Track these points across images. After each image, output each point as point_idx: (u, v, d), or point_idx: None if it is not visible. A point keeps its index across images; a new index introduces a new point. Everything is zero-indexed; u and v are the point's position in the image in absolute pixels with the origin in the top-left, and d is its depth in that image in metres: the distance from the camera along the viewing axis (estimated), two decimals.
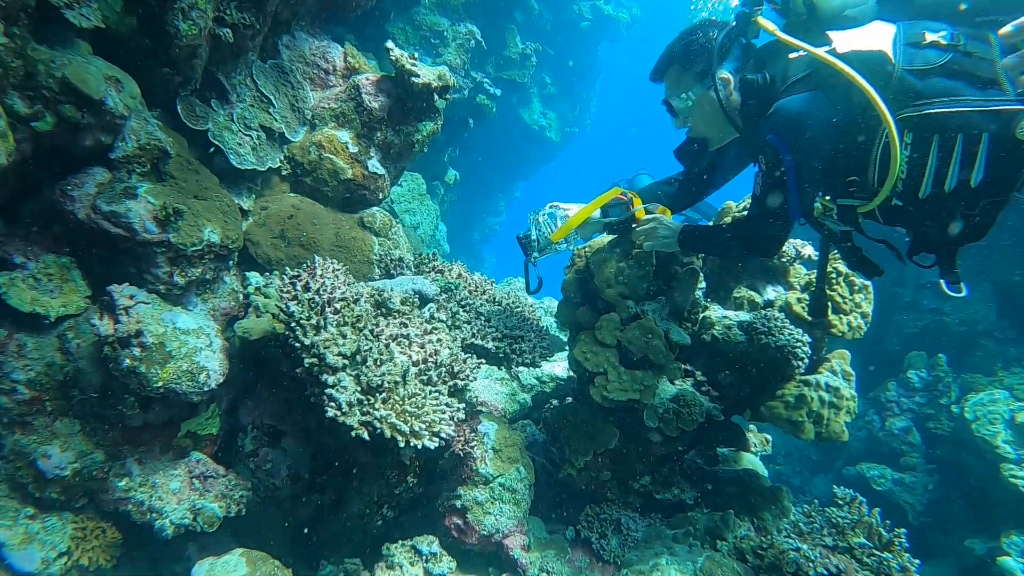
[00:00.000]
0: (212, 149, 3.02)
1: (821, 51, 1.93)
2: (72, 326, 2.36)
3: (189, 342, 2.35)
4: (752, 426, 3.83)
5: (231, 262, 2.98)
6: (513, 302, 3.33)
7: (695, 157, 2.45)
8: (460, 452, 2.76)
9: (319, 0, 3.71)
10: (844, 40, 1.96)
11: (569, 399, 3.69)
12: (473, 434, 2.86)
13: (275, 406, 2.70)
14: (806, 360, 2.91)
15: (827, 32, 2.00)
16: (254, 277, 2.86)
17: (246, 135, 3.16)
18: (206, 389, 2.34)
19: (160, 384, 2.22)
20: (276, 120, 3.34)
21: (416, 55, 3.45)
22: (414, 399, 2.26)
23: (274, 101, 3.35)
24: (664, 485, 3.29)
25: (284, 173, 3.42)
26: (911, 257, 2.16)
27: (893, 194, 1.96)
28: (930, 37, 1.90)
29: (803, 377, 2.98)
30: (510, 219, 15.27)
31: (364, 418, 2.14)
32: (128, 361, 2.17)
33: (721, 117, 2.25)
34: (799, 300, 3.18)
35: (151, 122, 2.59)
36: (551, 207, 2.67)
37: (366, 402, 2.19)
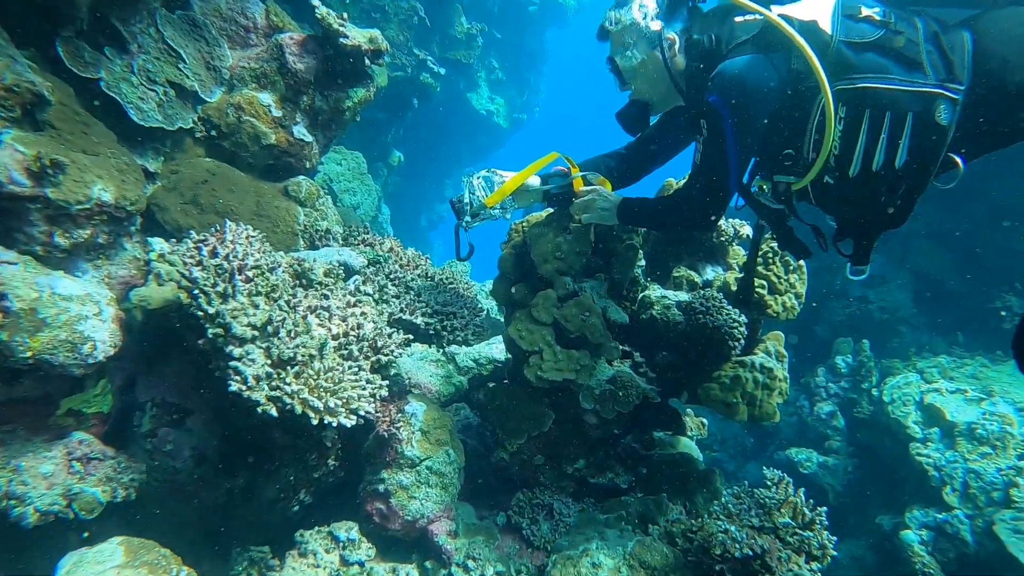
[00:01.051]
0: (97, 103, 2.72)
1: (768, 12, 1.88)
2: None
3: (71, 309, 2.09)
4: (689, 410, 3.81)
5: (132, 227, 2.71)
6: (447, 278, 3.18)
7: (636, 122, 2.36)
8: (385, 433, 2.60)
9: None
10: (786, 10, 1.94)
11: (505, 382, 3.58)
12: (400, 414, 2.70)
13: (180, 383, 2.46)
14: (742, 341, 2.89)
15: (771, 6, 1.96)
16: (157, 243, 2.60)
17: (150, 90, 2.87)
18: (90, 362, 2.09)
19: (29, 355, 1.95)
20: (188, 77, 3.05)
21: (345, 15, 3.22)
22: (331, 374, 2.08)
23: (184, 56, 3.06)
24: (599, 469, 3.22)
25: (198, 136, 3.14)
26: (835, 243, 2.17)
27: (825, 170, 1.96)
28: (865, 11, 1.91)
29: (739, 358, 2.95)
30: None
31: (273, 393, 1.95)
32: None
33: (666, 79, 2.18)
34: (737, 280, 3.16)
35: (19, 61, 2.29)
36: (488, 172, 2.53)
37: (275, 376, 1.99)
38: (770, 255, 3.02)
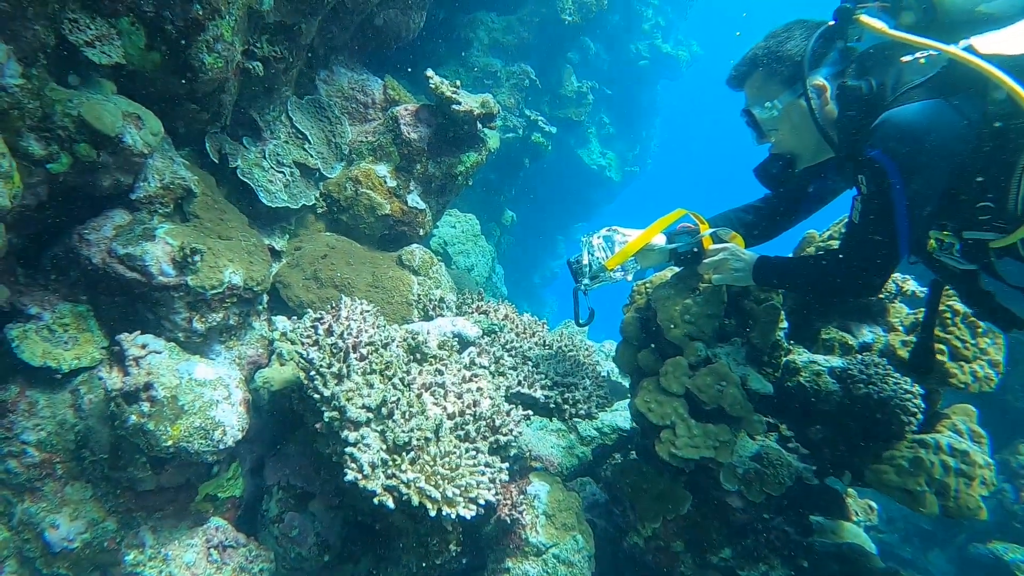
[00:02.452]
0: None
1: (954, 48, 1.58)
2: (86, 380, 2.18)
3: (205, 395, 2.13)
4: (851, 490, 3.29)
5: (260, 306, 2.80)
6: (566, 345, 2.99)
7: (779, 178, 2.09)
8: (507, 518, 2.41)
9: (357, 35, 3.60)
10: (987, 43, 1.60)
11: (633, 453, 3.29)
12: (522, 496, 2.51)
13: (303, 464, 2.44)
14: (919, 416, 2.43)
15: (968, 37, 1.65)
16: (281, 322, 2.66)
17: (278, 172, 3.02)
18: (221, 447, 2.11)
19: (170, 443, 1.99)
20: (311, 156, 3.20)
21: (458, 83, 3.26)
22: (448, 459, 1.95)
23: (310, 137, 3.22)
24: (749, 560, 2.81)
25: (320, 211, 3.26)
26: None
27: None
28: None
29: (918, 436, 2.48)
30: None
31: (389, 482, 1.84)
32: (135, 418, 1.96)
33: (813, 131, 1.89)
34: (904, 344, 2.70)
35: (177, 161, 2.47)
36: (608, 231, 2.35)
37: (391, 463, 1.89)
38: (947, 315, 2.56)
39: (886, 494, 2.45)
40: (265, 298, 2.85)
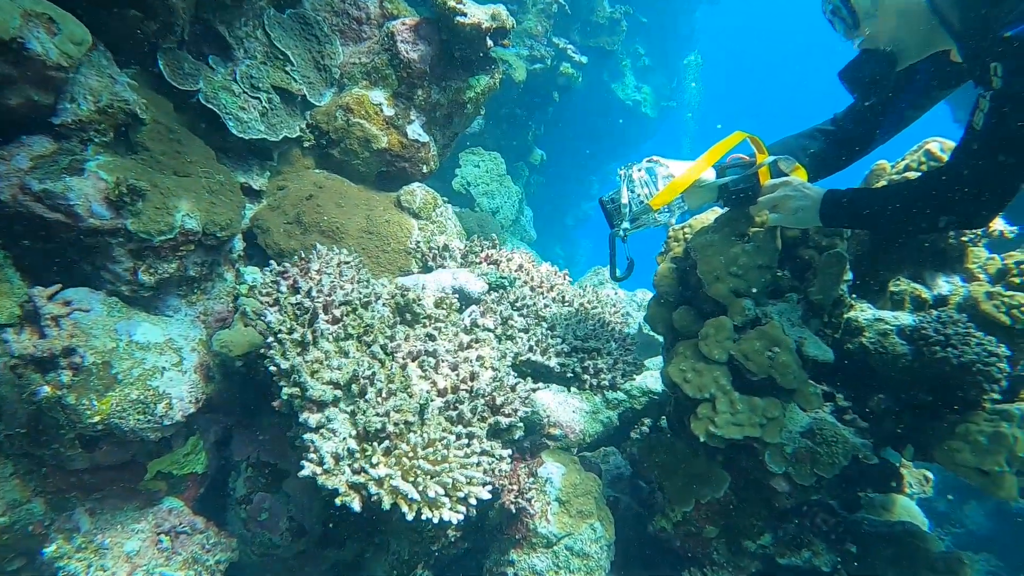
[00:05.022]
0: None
1: None
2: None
3: (147, 360, 1.78)
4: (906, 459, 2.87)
5: (234, 254, 2.43)
6: (589, 301, 2.57)
7: (872, 83, 1.59)
8: (512, 506, 2.06)
9: None
10: None
11: (664, 421, 2.90)
12: (532, 480, 2.15)
13: (276, 437, 2.11)
14: (1003, 383, 1.99)
15: None
16: (251, 273, 2.28)
17: (253, 97, 2.58)
18: (166, 424, 1.77)
19: (97, 419, 1.65)
20: (295, 80, 2.74)
21: None
22: (432, 448, 1.57)
23: (292, 57, 2.75)
24: (791, 546, 2.45)
25: (307, 145, 2.82)
26: None
27: None
28: None
29: (999, 407, 2.06)
30: None
31: (355, 478, 1.48)
32: (48, 389, 1.62)
33: (925, 12, 1.41)
34: (990, 296, 2.24)
35: (120, 81, 2.04)
36: (649, 162, 1.87)
37: (360, 454, 1.52)
38: None
39: (959, 474, 2.05)
40: (240, 245, 2.47)
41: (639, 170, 1.85)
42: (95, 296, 1.84)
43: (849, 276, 2.42)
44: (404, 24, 2.86)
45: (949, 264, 2.52)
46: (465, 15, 2.72)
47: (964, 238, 2.43)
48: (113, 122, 1.99)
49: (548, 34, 8.93)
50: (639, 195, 1.83)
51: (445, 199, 3.04)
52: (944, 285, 2.48)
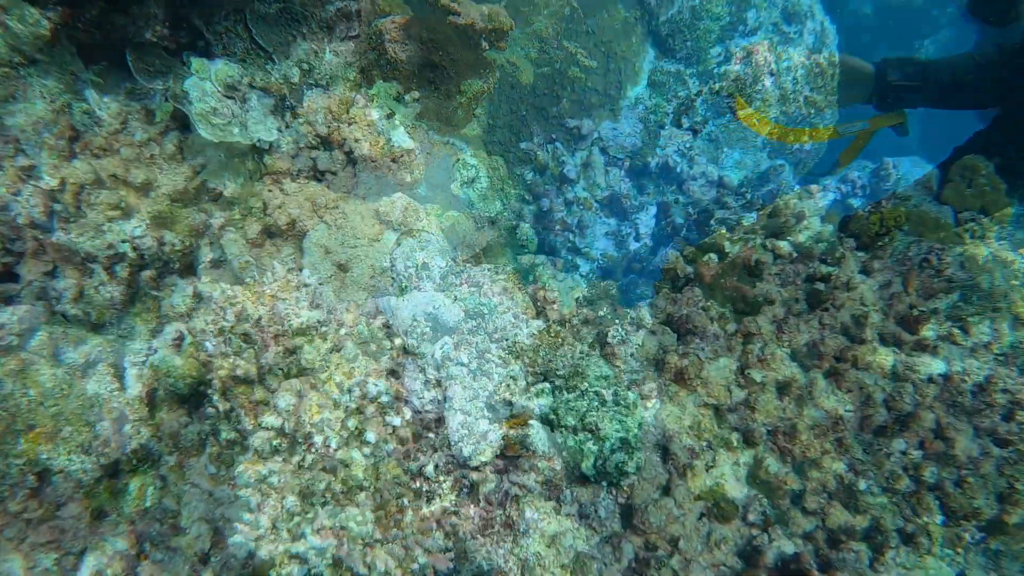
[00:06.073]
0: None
1: None
2: None
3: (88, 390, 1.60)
4: None
5: (199, 266, 2.25)
6: (582, 321, 2.38)
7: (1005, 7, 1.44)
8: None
9: None
10: None
11: None
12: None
13: None
14: None
15: None
16: (195, 288, 2.09)
17: (227, 97, 2.40)
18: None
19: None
20: (273, 77, 2.55)
21: None
22: (383, 511, 1.38)
23: (274, 55, 2.56)
24: None
25: (284, 149, 2.64)
26: None
27: None
28: None
29: None
30: None
31: (293, 546, 1.29)
32: None
33: None
34: None
35: (82, 77, 1.86)
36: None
37: (301, 515, 1.34)
38: None
39: None
40: (205, 259, 2.29)
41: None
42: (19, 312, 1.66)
43: None
44: (393, 23, 2.67)
45: None
46: (458, 15, 2.53)
47: None
48: (67, 123, 1.80)
49: (559, 37, 8.71)
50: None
51: (436, 207, 2.85)
52: None
